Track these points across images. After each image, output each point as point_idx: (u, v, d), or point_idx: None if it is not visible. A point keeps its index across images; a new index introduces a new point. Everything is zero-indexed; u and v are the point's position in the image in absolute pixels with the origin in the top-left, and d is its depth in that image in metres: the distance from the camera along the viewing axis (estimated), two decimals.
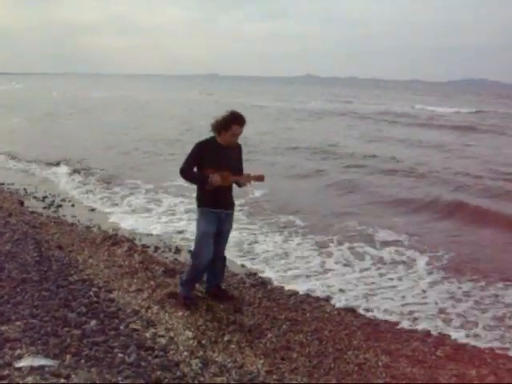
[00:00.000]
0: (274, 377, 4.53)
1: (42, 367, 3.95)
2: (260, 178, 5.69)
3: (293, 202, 12.06)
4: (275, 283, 7.13)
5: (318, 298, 6.66)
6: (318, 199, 12.88)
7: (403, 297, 6.86)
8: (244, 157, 5.96)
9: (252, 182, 5.77)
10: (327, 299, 6.66)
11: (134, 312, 5.60)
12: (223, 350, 4.95)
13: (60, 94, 64.49)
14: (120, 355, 4.36)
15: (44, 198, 11.96)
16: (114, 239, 8.33)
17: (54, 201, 11.63)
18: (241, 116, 5.52)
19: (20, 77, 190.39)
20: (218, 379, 4.35)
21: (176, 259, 7.94)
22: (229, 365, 4.65)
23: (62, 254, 7.42)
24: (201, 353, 4.83)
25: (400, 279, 7.50)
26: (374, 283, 7.32)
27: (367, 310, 6.39)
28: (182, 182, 8.90)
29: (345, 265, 8.08)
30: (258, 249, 8.66)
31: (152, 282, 6.58)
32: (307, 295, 6.75)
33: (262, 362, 4.77)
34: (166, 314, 5.66)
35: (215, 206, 5.67)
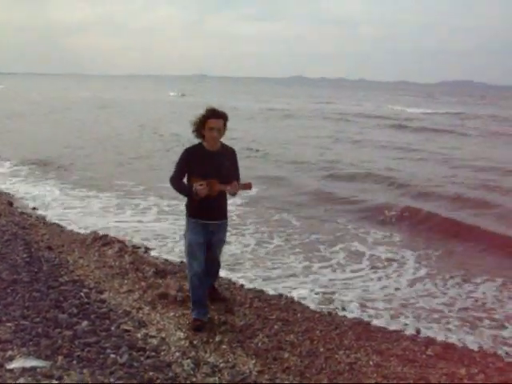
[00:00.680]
0: (266, 377, 4.54)
1: (33, 368, 3.94)
2: (247, 187, 5.35)
3: None
4: (263, 284, 7.15)
5: (306, 298, 6.70)
6: None
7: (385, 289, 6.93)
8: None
9: (240, 191, 5.43)
10: (317, 299, 6.72)
11: (125, 313, 5.59)
12: (215, 350, 4.95)
13: (40, 95, 64.31)
14: (112, 356, 4.36)
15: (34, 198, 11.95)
16: (104, 240, 8.30)
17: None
18: (214, 109, 5.20)
19: (4, 76, 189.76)
20: (211, 379, 4.36)
21: (167, 260, 7.94)
22: (221, 365, 4.65)
23: (52, 254, 7.40)
24: (192, 353, 4.83)
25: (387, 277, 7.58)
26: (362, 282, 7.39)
27: (354, 309, 6.50)
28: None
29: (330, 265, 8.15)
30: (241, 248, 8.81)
31: (143, 283, 6.57)
32: (298, 295, 6.80)
33: (253, 362, 4.77)
34: (158, 315, 5.66)
35: (203, 216, 5.32)
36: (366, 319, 6.15)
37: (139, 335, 5.06)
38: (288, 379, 4.53)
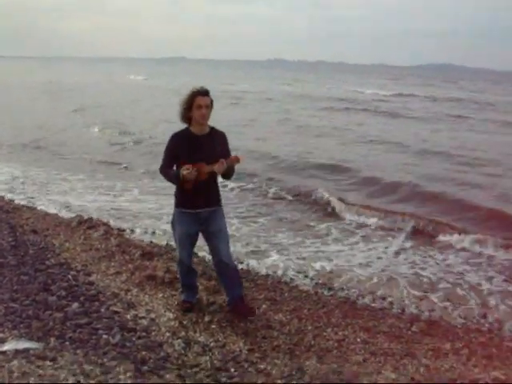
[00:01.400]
0: (256, 355, 4.60)
1: (26, 350, 3.95)
2: (235, 160, 4.95)
3: None
4: (250, 263, 7.22)
5: (294, 278, 6.78)
6: None
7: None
8: None
9: (230, 165, 4.94)
10: (303, 278, 6.81)
11: (114, 295, 5.61)
12: (204, 330, 5.00)
13: None
14: (105, 337, 4.39)
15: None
16: (89, 223, 8.29)
17: None
18: (199, 88, 4.92)
19: None
20: (202, 359, 4.41)
21: (152, 241, 7.94)
22: (211, 344, 4.71)
23: (38, 238, 7.37)
24: (183, 333, 4.88)
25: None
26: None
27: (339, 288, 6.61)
28: None
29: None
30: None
31: (130, 265, 6.59)
32: (284, 274, 6.88)
33: (243, 341, 4.83)
34: (146, 296, 5.69)
35: (192, 204, 5.03)
36: (352, 297, 6.24)
37: (129, 316, 5.09)
38: (278, 357, 4.60)
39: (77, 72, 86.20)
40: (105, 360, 3.98)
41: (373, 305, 6.07)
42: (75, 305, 4.99)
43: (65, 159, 15.67)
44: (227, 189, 11.36)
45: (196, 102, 4.86)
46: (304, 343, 4.88)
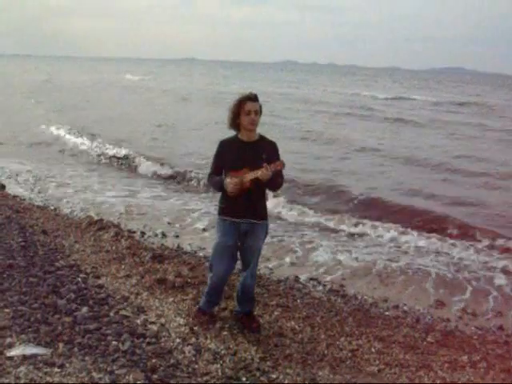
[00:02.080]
0: (268, 363, 4.49)
1: (34, 356, 3.87)
2: (279, 166, 4.60)
3: None
4: (262, 269, 7.09)
5: (305, 284, 6.66)
6: None
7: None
8: None
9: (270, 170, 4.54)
10: (314, 284, 6.70)
11: (124, 298, 5.53)
12: (215, 336, 4.89)
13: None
14: (114, 343, 4.29)
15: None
16: (99, 224, 8.23)
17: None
18: (249, 93, 4.74)
19: None
20: (213, 367, 4.30)
21: (163, 244, 7.87)
22: (222, 352, 4.60)
23: (48, 239, 7.31)
24: (193, 340, 4.77)
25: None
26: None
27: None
28: None
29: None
30: None
31: (140, 268, 6.51)
32: (295, 281, 6.77)
33: (255, 348, 4.72)
34: (156, 301, 5.59)
35: (233, 213, 4.79)
36: (365, 305, 6.13)
37: (138, 321, 4.99)
38: (290, 366, 4.49)
39: (79, 71, 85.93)
40: (114, 368, 3.89)
41: (387, 313, 5.95)
42: (84, 309, 4.90)
43: None
44: None
45: (245, 108, 4.66)
46: (317, 352, 4.76)
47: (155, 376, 3.91)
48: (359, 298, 6.38)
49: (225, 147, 4.85)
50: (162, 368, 4.06)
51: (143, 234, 8.37)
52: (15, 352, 3.89)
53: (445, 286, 7.06)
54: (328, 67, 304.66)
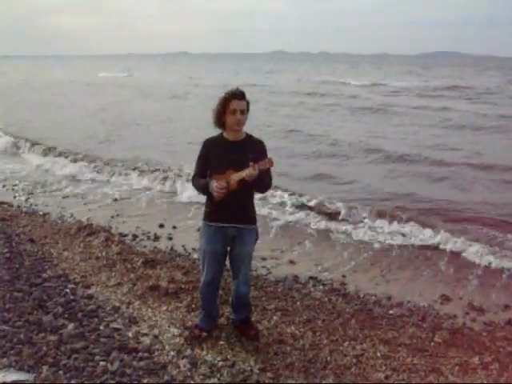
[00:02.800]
0: (269, 374, 4.24)
1: (15, 383, 3.59)
2: (267, 164, 4.26)
3: None
4: (259, 270, 6.82)
5: (305, 284, 6.40)
6: None
7: None
8: None
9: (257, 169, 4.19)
10: (314, 284, 6.43)
11: (115, 309, 5.27)
12: (212, 347, 4.63)
13: None
14: (102, 363, 4.01)
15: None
16: (89, 229, 7.95)
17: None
18: (235, 90, 4.39)
19: None
20: (210, 381, 4.07)
21: (156, 247, 7.59)
22: (219, 364, 4.35)
23: (35, 247, 7.04)
24: (188, 351, 4.53)
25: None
26: None
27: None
28: None
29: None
30: None
31: (132, 275, 6.25)
32: (294, 280, 6.51)
33: (254, 358, 4.47)
34: (149, 310, 5.34)
35: (218, 219, 4.49)
36: (368, 304, 5.86)
37: (130, 334, 4.74)
38: (292, 376, 4.24)
39: (61, 71, 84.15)
40: None
41: (391, 312, 5.67)
42: (71, 326, 4.61)
43: None
44: None
45: (230, 107, 4.33)
46: (320, 360, 4.51)
47: None
48: (361, 296, 6.12)
49: (209, 147, 4.53)
50: None
51: (135, 237, 8.08)
52: None
53: (449, 280, 6.83)
54: (320, 56, 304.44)
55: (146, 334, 4.78)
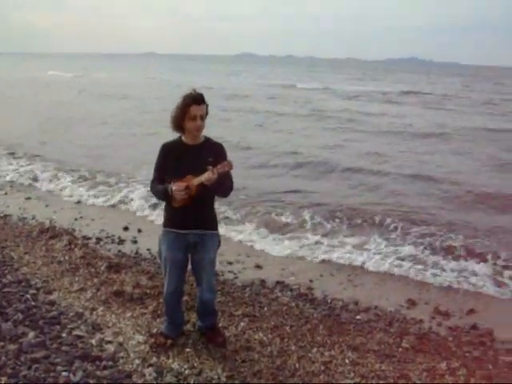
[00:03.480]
0: (236, 382, 4.18)
1: None
2: (226, 167, 4.15)
3: None
4: (226, 274, 6.73)
5: (272, 289, 6.33)
6: None
7: None
8: None
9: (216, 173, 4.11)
10: (281, 289, 6.38)
11: (78, 315, 5.12)
12: (178, 354, 4.53)
13: None
14: (64, 373, 3.86)
15: None
16: (52, 232, 7.73)
17: None
18: (194, 94, 4.22)
19: None
20: None
21: (120, 251, 7.42)
22: (186, 372, 4.26)
23: None
24: (154, 359, 4.42)
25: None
26: None
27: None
28: None
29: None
30: None
31: (95, 280, 6.09)
32: (262, 285, 6.44)
33: (221, 366, 4.38)
34: (113, 316, 5.20)
35: (179, 224, 4.37)
36: (335, 310, 5.83)
37: (94, 341, 4.60)
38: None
39: (13, 70, 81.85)
40: None
41: (358, 317, 5.66)
42: (31, 334, 4.44)
43: None
44: None
45: (190, 113, 4.20)
46: (288, 367, 4.45)
47: None
48: (328, 301, 6.09)
49: (167, 151, 4.41)
50: None
51: (99, 240, 7.89)
52: None
53: (414, 283, 6.87)
54: (286, 59, 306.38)
55: (110, 342, 4.65)
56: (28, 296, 5.38)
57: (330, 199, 10.84)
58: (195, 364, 4.40)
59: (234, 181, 4.42)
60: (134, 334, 4.85)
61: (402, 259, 7.57)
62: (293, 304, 5.86)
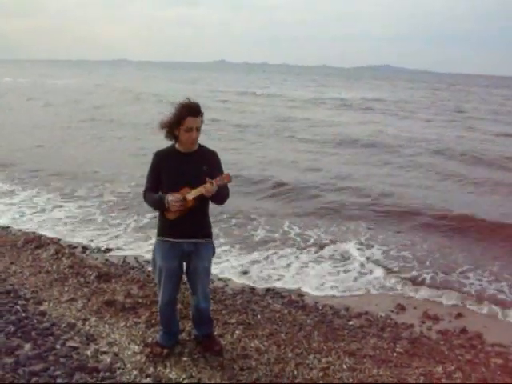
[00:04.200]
0: None
1: None
2: (225, 179, 4.14)
3: None
4: (216, 282, 6.71)
5: (263, 297, 6.33)
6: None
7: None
8: None
9: (216, 185, 4.11)
10: (272, 296, 6.38)
11: (70, 326, 5.05)
12: (175, 364, 4.49)
13: None
14: None
15: None
16: (37, 242, 7.61)
17: None
18: (191, 105, 4.16)
19: None
20: None
21: (107, 260, 7.36)
22: (184, 381, 4.23)
23: None
24: (151, 369, 4.37)
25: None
26: None
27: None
28: None
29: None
30: None
31: (85, 289, 6.02)
32: (252, 293, 6.44)
33: (220, 374, 4.35)
34: (106, 326, 5.14)
35: (173, 235, 4.31)
36: (327, 315, 5.85)
37: (89, 352, 4.54)
38: None
39: None
40: None
41: (350, 323, 5.69)
42: (27, 346, 4.36)
43: None
44: None
45: (186, 124, 4.13)
46: (286, 374, 4.44)
47: None
48: (320, 307, 6.11)
49: (161, 159, 4.35)
50: None
51: (85, 249, 7.80)
52: None
53: (402, 287, 6.94)
54: (260, 66, 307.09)
55: (105, 352, 4.59)
56: (18, 307, 5.29)
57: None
58: (193, 373, 4.36)
59: None
60: (128, 344, 4.80)
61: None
62: (285, 311, 5.86)
